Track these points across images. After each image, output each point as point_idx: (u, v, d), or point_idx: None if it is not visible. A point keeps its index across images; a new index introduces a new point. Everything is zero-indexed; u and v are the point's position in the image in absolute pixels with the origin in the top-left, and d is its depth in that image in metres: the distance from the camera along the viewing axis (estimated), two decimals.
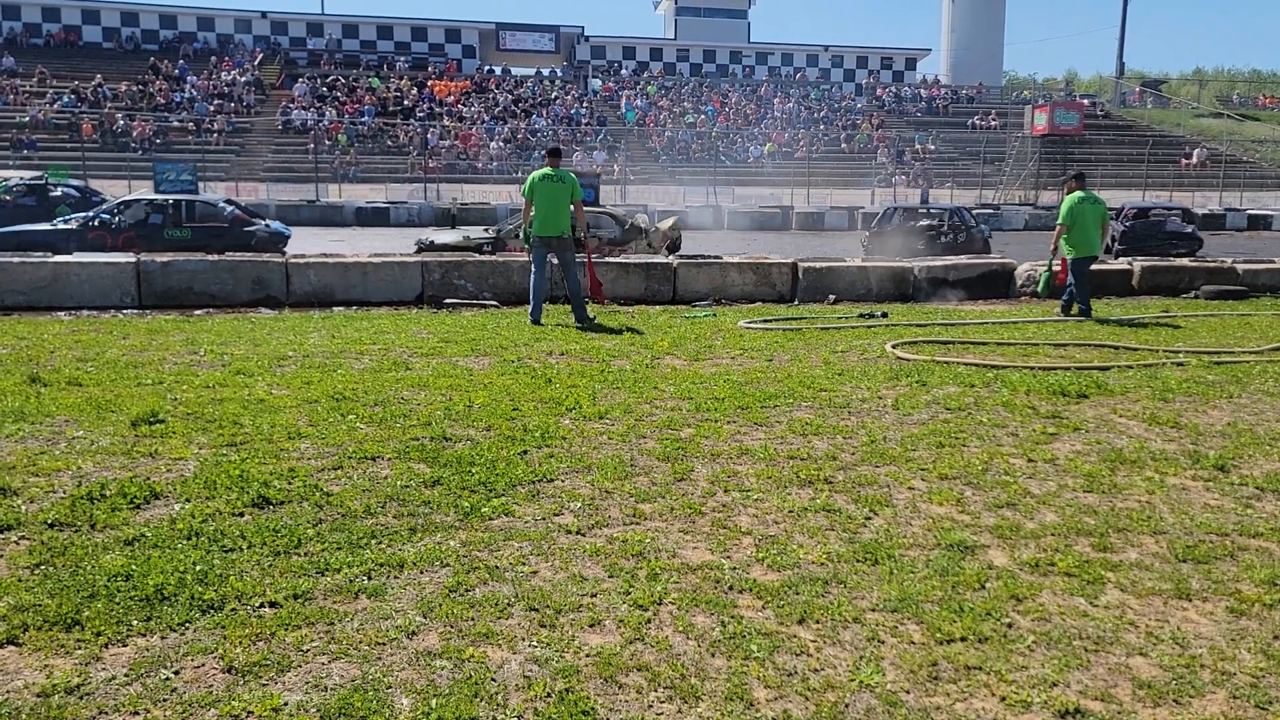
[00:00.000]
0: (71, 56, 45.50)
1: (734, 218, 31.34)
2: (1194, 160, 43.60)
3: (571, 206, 9.75)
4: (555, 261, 10.11)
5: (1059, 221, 10.66)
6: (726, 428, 5.41)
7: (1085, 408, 6.03)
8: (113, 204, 16.74)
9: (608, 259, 12.60)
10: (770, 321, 9.84)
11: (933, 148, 44.34)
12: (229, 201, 18.34)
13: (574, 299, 9.69)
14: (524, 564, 3.45)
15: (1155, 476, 4.65)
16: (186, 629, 2.89)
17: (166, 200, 16.71)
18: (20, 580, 3.19)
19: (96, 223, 15.68)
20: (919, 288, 12.74)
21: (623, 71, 53.70)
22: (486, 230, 16.52)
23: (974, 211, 21.85)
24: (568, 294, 9.86)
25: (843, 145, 44.68)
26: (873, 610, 3.15)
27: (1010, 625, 3.07)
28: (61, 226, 15.75)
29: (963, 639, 2.96)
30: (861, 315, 10.43)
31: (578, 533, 3.77)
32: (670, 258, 12.97)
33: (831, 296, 12.30)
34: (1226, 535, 3.90)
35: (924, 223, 19.29)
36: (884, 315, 10.44)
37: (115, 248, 14.42)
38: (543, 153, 10.48)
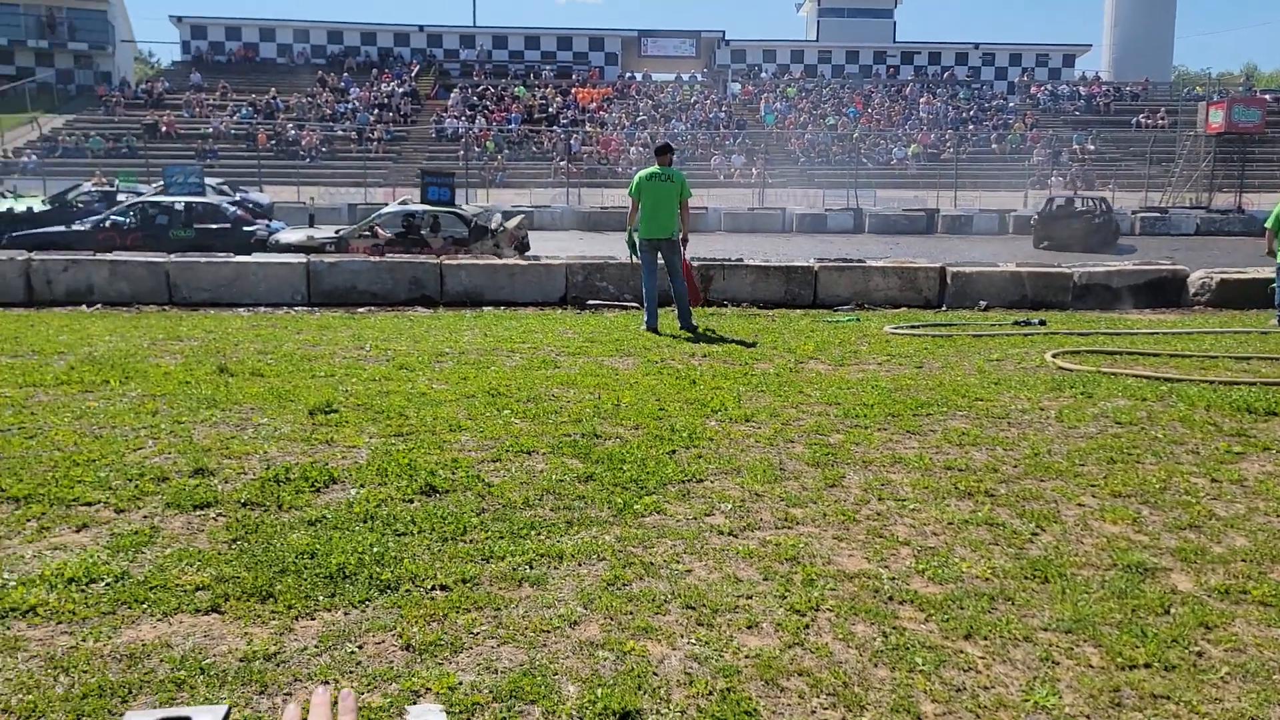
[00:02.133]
0: (249, 72, 48.72)
1: (875, 221, 30.65)
2: None
3: (680, 206, 9.24)
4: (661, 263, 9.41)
5: (1267, 226, 10.38)
6: (877, 435, 5.29)
7: (1276, 426, 5.60)
8: (122, 206, 17.66)
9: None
10: (918, 327, 9.57)
11: (1092, 148, 42.15)
12: (234, 203, 19.06)
13: (680, 303, 9.26)
14: (678, 562, 3.47)
15: None
16: (367, 606, 3.05)
17: (172, 202, 17.48)
18: (220, 554, 3.44)
19: (108, 224, 16.64)
20: (1078, 294, 12.13)
21: (763, 74, 53.38)
22: (337, 231, 16.27)
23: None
24: (674, 298, 9.34)
25: (993, 146, 43.03)
26: (1045, 629, 3.01)
27: (1200, 654, 2.89)
28: (76, 228, 16.74)
29: (1146, 665, 2.80)
30: (1017, 322, 10.02)
31: (730, 534, 3.77)
32: (810, 261, 12.78)
33: (983, 302, 11.85)
34: None
35: (1078, 208, 25.65)
36: (1041, 323, 10.00)
37: (123, 247, 15.06)
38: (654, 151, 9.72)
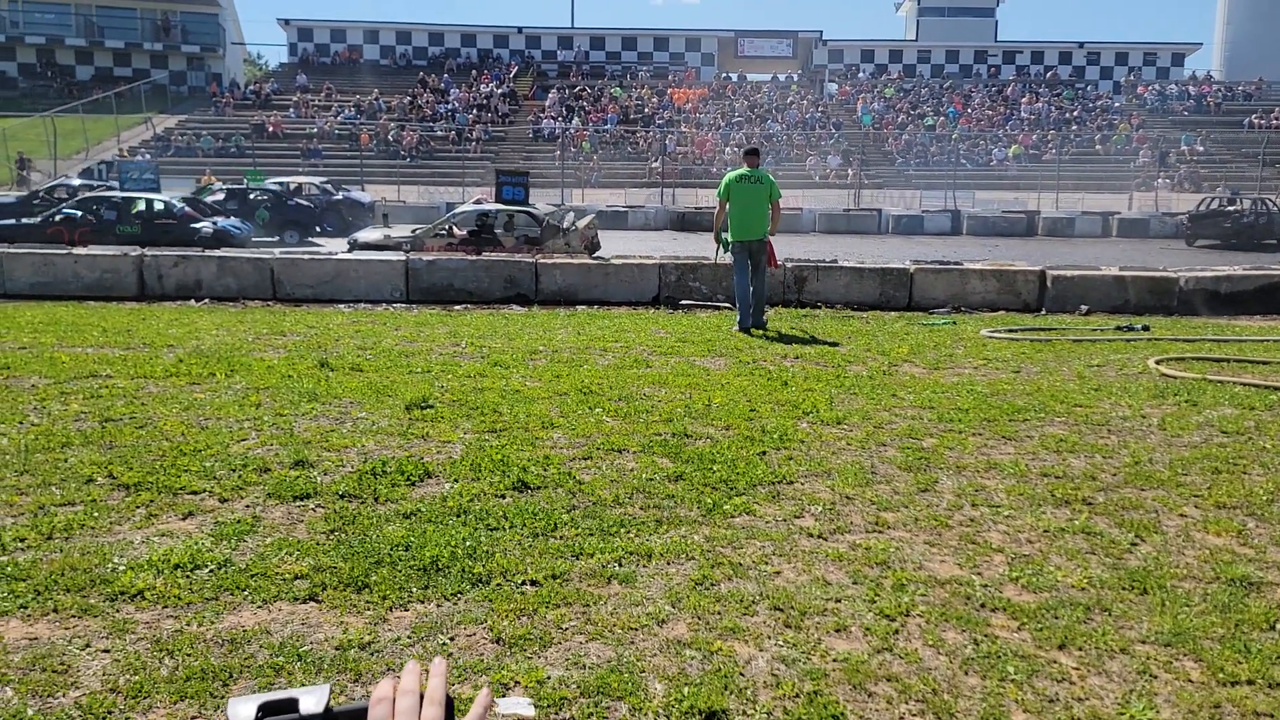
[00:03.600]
0: (354, 73, 50.23)
1: (973, 223, 29.89)
2: None
3: (769, 208, 9.25)
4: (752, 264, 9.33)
5: None
6: (972, 440, 5.20)
7: None
8: (73, 201, 18.24)
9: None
10: (1016, 331, 9.34)
11: (1201, 149, 40.27)
12: (184, 199, 19.42)
13: (758, 304, 9.28)
14: (767, 563, 3.49)
15: None
16: (459, 599, 3.15)
17: (121, 198, 17.94)
18: (318, 544, 3.59)
19: (58, 218, 17.21)
20: (1184, 299, 11.64)
21: (860, 74, 52.57)
22: (413, 230, 16.29)
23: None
24: (752, 296, 9.28)
25: (1097, 147, 41.47)
26: (1142, 642, 2.94)
27: None
28: (26, 221, 17.37)
29: (1250, 682, 2.70)
30: (1119, 328, 9.68)
31: (819, 536, 3.77)
32: (906, 263, 12.57)
33: (1084, 307, 11.47)
34: None
35: (1232, 209, 25.80)
36: (1145, 328, 9.64)
37: (72, 241, 15.52)
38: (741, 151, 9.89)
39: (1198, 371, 7.21)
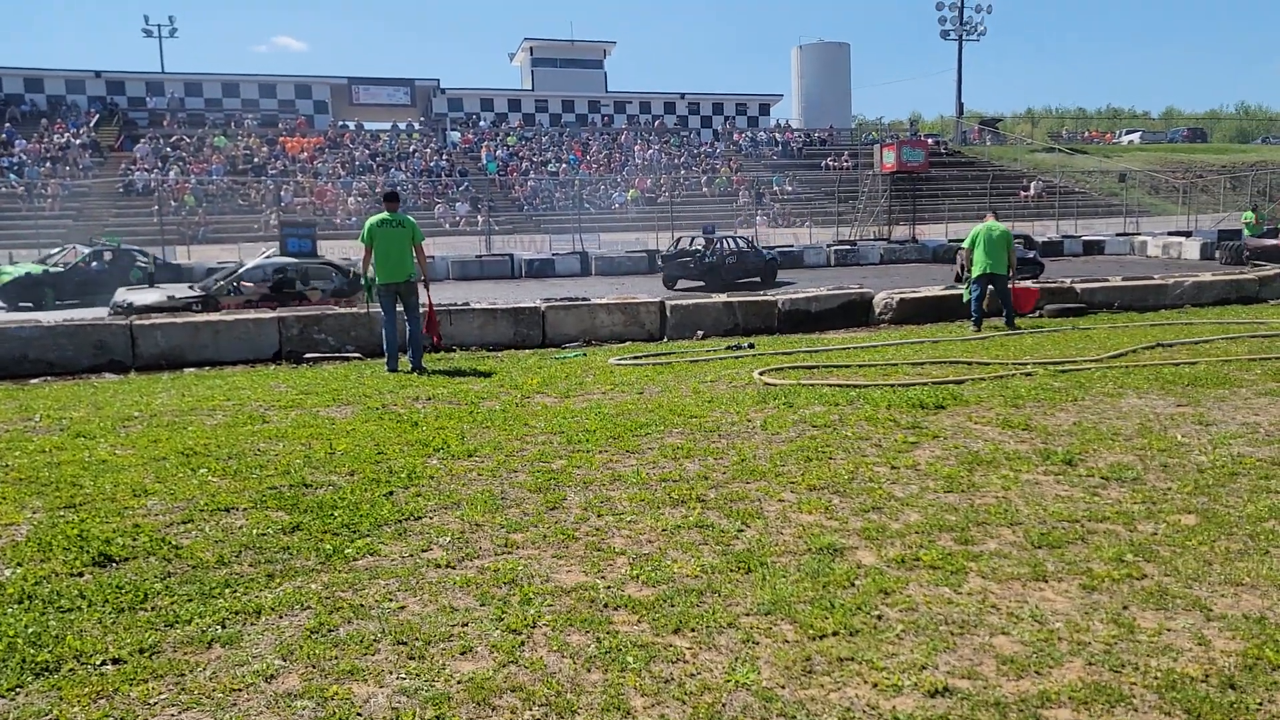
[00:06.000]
0: None
1: (601, 263, 31.58)
2: (1031, 192, 46.65)
3: (414, 249, 9.47)
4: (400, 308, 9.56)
5: (964, 246, 12.60)
6: (598, 457, 5.39)
7: (943, 417, 6.29)
8: None
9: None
10: (641, 358, 9.92)
11: (790, 188, 46.00)
12: None
13: (414, 345, 9.45)
14: (390, 600, 3.32)
15: (1010, 474, 4.87)
16: (18, 693, 2.66)
17: None
18: None
19: None
20: (783, 319, 13.11)
21: (481, 123, 53.73)
22: (192, 288, 15.28)
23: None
24: (408, 339, 9.50)
25: (704, 189, 45.83)
26: (747, 615, 3.16)
27: (880, 617, 3.14)
28: None
29: (834, 633, 3.00)
30: (729, 347, 10.63)
31: (447, 566, 3.67)
32: (537, 302, 12.93)
33: (700, 332, 12.51)
34: (1077, 521, 4.12)
35: (696, 249, 24.40)
36: (750, 346, 10.68)
37: None
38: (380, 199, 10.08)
39: (794, 378, 8.07)
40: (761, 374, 8.30)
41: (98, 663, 2.83)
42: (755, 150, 52.95)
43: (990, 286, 12.14)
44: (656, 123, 56.75)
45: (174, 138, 43.46)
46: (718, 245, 24.13)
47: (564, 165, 46.32)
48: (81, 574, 3.56)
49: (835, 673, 2.75)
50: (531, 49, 59.34)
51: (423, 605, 3.28)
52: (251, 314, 11.62)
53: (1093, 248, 34.98)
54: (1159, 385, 7.29)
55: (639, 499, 4.52)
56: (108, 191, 37.85)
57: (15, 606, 3.23)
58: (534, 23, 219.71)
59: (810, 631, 3.00)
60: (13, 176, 37.05)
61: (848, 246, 33.42)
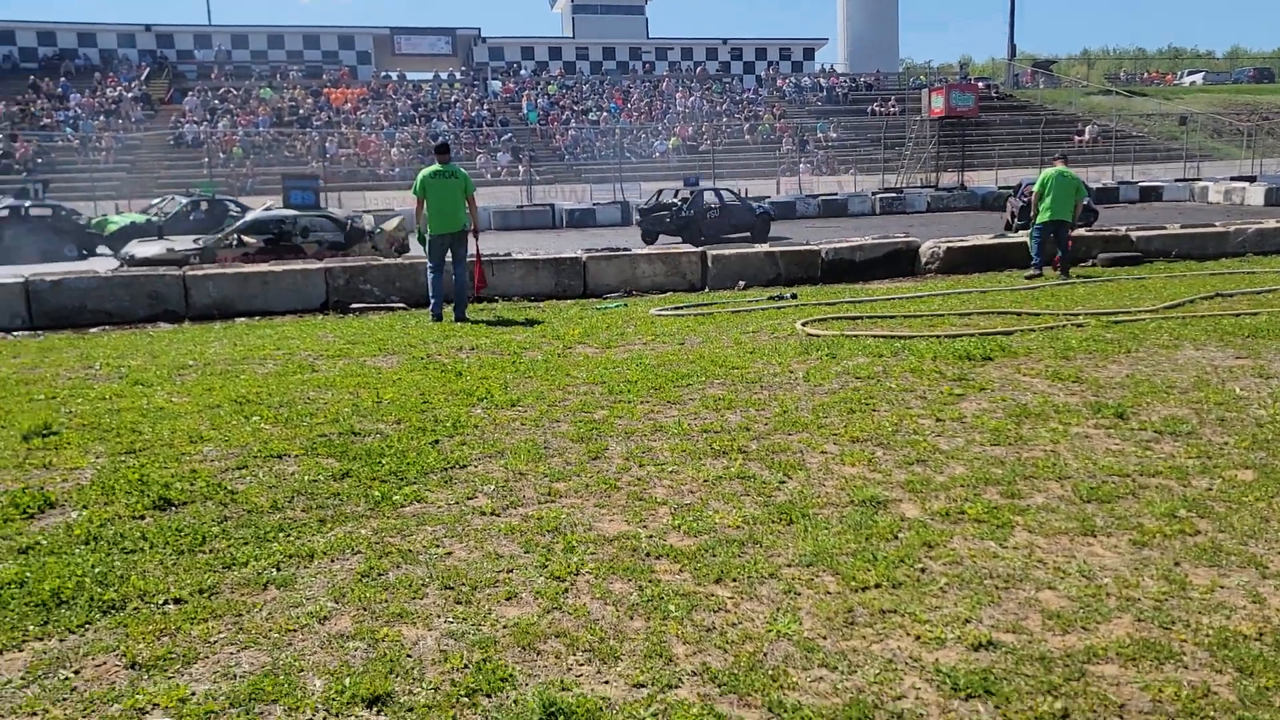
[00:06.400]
0: None
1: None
2: (1086, 137, 45.22)
3: (466, 201, 9.64)
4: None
5: (1034, 190, 12.37)
6: (640, 407, 5.42)
7: (991, 369, 6.21)
8: None
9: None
10: (682, 308, 9.90)
11: (834, 135, 45.18)
12: None
13: (459, 295, 9.59)
14: (438, 546, 3.40)
15: (1059, 427, 4.81)
16: (86, 630, 2.79)
17: None
18: None
19: None
20: (826, 269, 12.96)
21: (522, 72, 53.33)
22: (196, 241, 15.28)
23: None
24: (454, 289, 9.65)
25: (746, 136, 45.21)
26: (789, 566, 3.18)
27: (923, 570, 3.14)
28: None
29: (877, 586, 3.01)
30: (771, 298, 10.57)
31: (492, 513, 3.73)
32: (579, 252, 12.92)
33: (741, 282, 12.42)
34: (1128, 475, 4.06)
35: (671, 202, 22.51)
36: (793, 296, 10.60)
37: None
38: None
39: (837, 329, 8.02)
40: (804, 324, 8.25)
41: (160, 602, 2.94)
42: (799, 96, 52.01)
43: (1052, 235, 11.95)
44: (698, 69, 55.91)
45: (221, 90, 43.80)
46: (697, 198, 22.26)
47: (605, 114, 45.93)
48: (143, 517, 3.68)
49: (877, 624, 2.77)
50: None
51: (468, 551, 3.34)
52: (299, 264, 11.77)
53: (1150, 194, 33.95)
54: (1217, 337, 7.12)
55: (680, 449, 4.54)
56: (159, 144, 38.35)
57: (83, 547, 3.36)
58: None
59: (852, 583, 3.02)
60: (69, 130, 37.63)
61: (894, 194, 32.87)
